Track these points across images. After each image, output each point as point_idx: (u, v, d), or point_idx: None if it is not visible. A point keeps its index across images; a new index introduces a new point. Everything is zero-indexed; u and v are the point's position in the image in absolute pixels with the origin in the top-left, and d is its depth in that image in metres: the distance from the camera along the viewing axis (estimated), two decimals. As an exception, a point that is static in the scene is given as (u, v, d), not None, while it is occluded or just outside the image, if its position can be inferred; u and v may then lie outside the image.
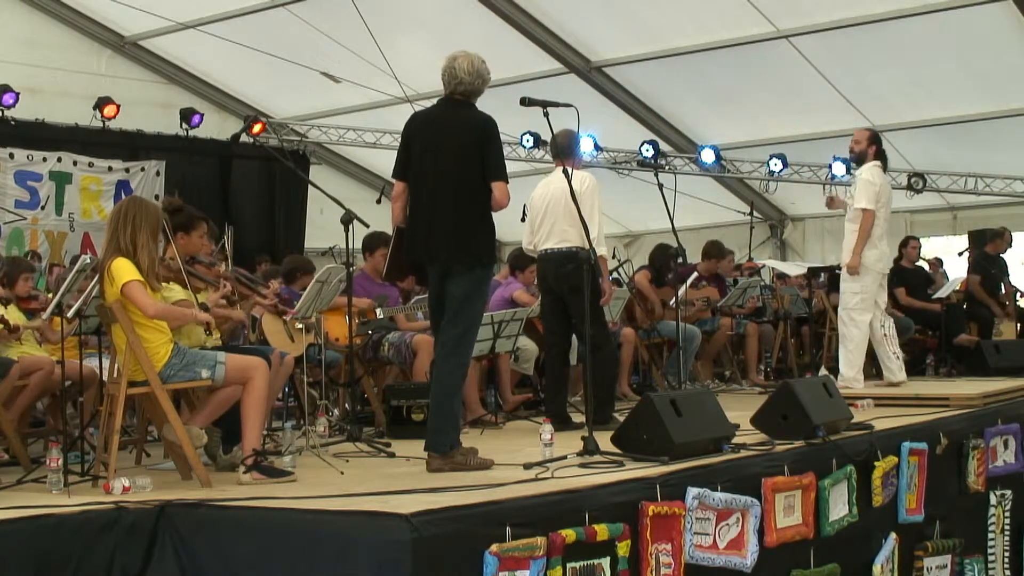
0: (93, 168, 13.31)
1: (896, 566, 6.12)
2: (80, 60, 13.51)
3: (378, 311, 7.79)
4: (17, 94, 12.44)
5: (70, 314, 5.95)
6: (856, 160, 8.45)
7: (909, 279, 11.23)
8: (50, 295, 7.08)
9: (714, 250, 10.52)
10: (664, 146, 14.06)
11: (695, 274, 10.28)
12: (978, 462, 6.95)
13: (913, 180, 13.48)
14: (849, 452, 5.83)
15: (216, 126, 14.55)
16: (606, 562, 4.35)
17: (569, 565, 4.18)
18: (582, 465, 5.10)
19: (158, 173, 13.82)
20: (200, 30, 12.78)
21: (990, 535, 7.11)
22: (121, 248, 5.08)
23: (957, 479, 6.88)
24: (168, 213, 5.67)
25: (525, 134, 13.55)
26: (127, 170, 13.60)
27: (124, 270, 5.01)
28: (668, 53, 12.52)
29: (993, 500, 7.15)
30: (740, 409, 6.36)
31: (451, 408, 5.28)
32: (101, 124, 13.28)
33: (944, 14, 11.01)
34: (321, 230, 13.98)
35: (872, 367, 10.12)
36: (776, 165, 13.68)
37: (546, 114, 5.85)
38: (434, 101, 5.67)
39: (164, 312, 5.14)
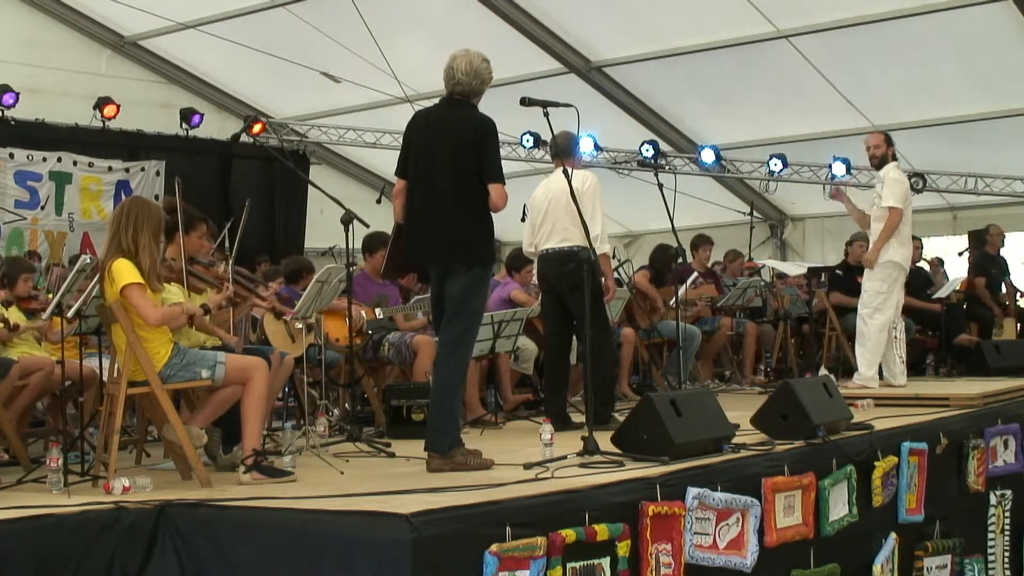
0: (93, 168, 13.32)
1: (896, 566, 6.12)
2: (80, 60, 13.51)
3: (378, 311, 7.79)
4: (17, 94, 12.45)
5: (70, 314, 5.94)
6: (878, 165, 8.45)
7: (909, 279, 11.20)
8: (49, 295, 7.08)
9: (698, 240, 10.58)
10: (664, 146, 14.07)
11: (695, 274, 10.28)
12: (978, 462, 6.95)
13: (913, 180, 13.41)
14: (849, 452, 5.83)
15: (216, 126, 14.55)
16: (606, 562, 4.35)
17: (569, 565, 4.18)
18: (582, 465, 5.10)
19: (158, 173, 13.82)
20: (200, 30, 12.78)
21: (990, 535, 7.11)
22: (123, 248, 5.07)
23: (957, 479, 6.88)
24: (167, 213, 5.66)
25: (525, 134, 13.55)
26: (127, 170, 13.61)
27: (124, 272, 5.00)
28: (668, 53, 12.52)
29: (993, 500, 7.15)
30: (740, 409, 6.36)
31: (451, 408, 5.27)
32: (101, 124, 13.29)
33: (944, 14, 11.01)
34: (321, 230, 13.99)
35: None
36: (776, 165, 13.68)
37: (546, 114, 5.85)
38: (434, 101, 5.67)
39: (165, 318, 5.13)
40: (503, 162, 5.45)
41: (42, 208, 12.91)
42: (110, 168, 13.47)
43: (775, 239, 16.34)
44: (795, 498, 5.37)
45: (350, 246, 6.67)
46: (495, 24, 12.16)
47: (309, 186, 13.60)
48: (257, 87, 14.68)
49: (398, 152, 5.63)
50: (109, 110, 13.18)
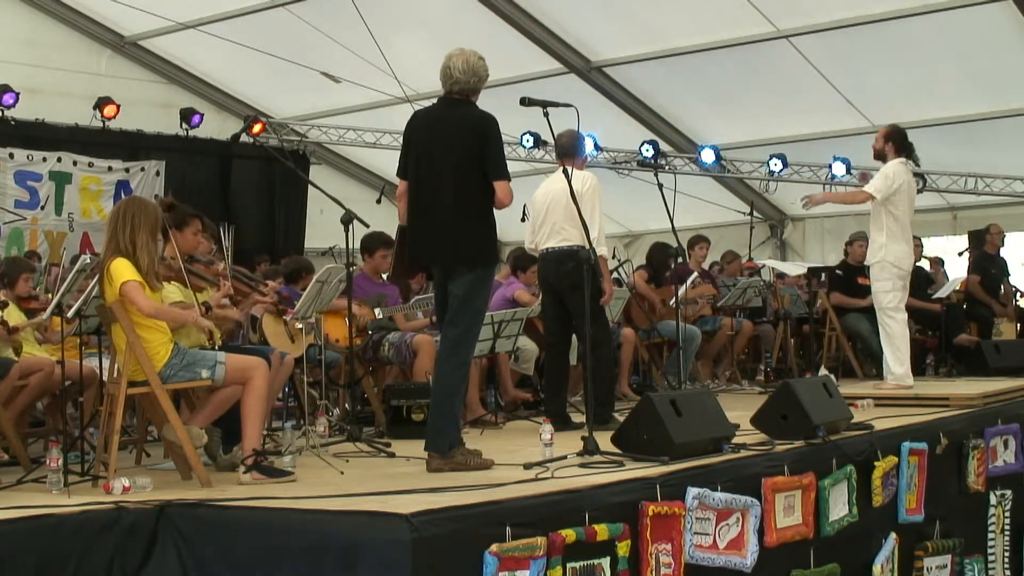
0: (93, 168, 13.32)
1: (896, 566, 6.12)
2: (80, 60, 13.51)
3: (377, 311, 7.79)
4: (17, 94, 12.45)
5: (70, 314, 5.95)
6: (879, 159, 8.37)
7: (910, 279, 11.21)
8: (49, 295, 7.08)
9: (694, 240, 10.61)
10: (664, 146, 14.06)
11: (694, 274, 10.28)
12: (978, 462, 6.95)
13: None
14: (849, 452, 5.83)
15: (216, 126, 14.55)
16: (606, 562, 4.35)
17: (569, 565, 4.18)
18: (582, 465, 5.10)
19: (158, 173, 13.83)
20: (200, 30, 12.78)
21: (990, 535, 7.11)
22: (120, 248, 5.08)
23: (957, 479, 6.88)
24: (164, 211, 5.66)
25: (525, 134, 13.54)
26: (127, 170, 13.61)
27: (123, 270, 5.00)
28: (668, 53, 12.52)
29: (993, 500, 7.15)
30: (740, 409, 6.36)
31: (451, 408, 5.27)
32: (101, 124, 13.29)
33: (944, 14, 11.01)
34: (321, 230, 13.98)
35: (873, 367, 10.14)
36: (776, 165, 13.68)
37: (546, 114, 5.84)
38: (434, 101, 5.65)
39: (160, 312, 5.13)
40: (503, 162, 5.45)
41: (42, 208, 12.91)
42: (110, 168, 13.47)
43: (775, 239, 16.34)
44: (795, 498, 5.37)
45: (350, 246, 6.67)
46: (495, 24, 12.16)
47: (309, 186, 13.60)
48: (257, 87, 14.67)
49: (398, 152, 5.63)
50: (109, 110, 13.18)
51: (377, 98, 13.69)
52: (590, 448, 5.37)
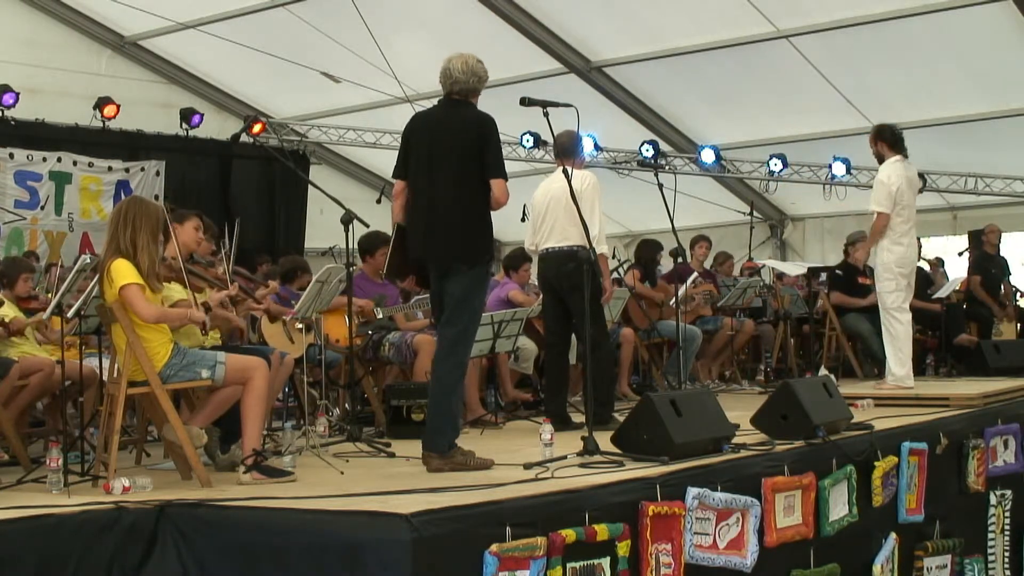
0: (93, 168, 13.32)
1: (896, 566, 6.12)
2: (80, 60, 13.51)
3: (377, 311, 7.79)
4: (17, 94, 12.44)
5: (70, 314, 5.95)
6: (878, 160, 8.32)
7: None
8: (48, 295, 7.08)
9: (695, 239, 10.62)
10: (664, 146, 14.06)
11: (695, 273, 10.28)
12: (978, 462, 6.95)
13: (913, 180, 13.47)
14: (849, 452, 5.83)
15: (216, 126, 14.55)
16: (606, 562, 4.35)
17: (569, 565, 4.18)
18: (582, 465, 5.10)
19: (158, 173, 13.82)
20: (200, 30, 12.78)
21: (990, 535, 7.11)
22: (121, 249, 5.07)
23: (957, 479, 6.88)
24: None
25: (525, 134, 13.55)
26: (127, 170, 13.60)
27: (123, 272, 5.00)
28: (668, 53, 12.52)
29: (993, 500, 7.15)
30: (740, 409, 6.36)
31: (450, 407, 5.27)
32: (101, 124, 13.28)
33: (944, 14, 11.01)
34: (321, 230, 13.98)
35: (873, 366, 10.14)
36: (776, 165, 13.68)
37: (546, 114, 5.85)
38: (434, 101, 5.67)
39: (161, 316, 5.13)
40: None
41: (42, 208, 12.90)
42: (110, 168, 13.47)
43: (775, 239, 16.34)
44: (795, 498, 5.37)
45: (350, 246, 6.67)
46: (495, 24, 12.16)
47: (309, 186, 13.61)
48: (257, 87, 14.67)
49: (398, 152, 5.63)
50: (109, 110, 13.17)
51: (377, 98, 13.70)
52: (590, 448, 5.37)
